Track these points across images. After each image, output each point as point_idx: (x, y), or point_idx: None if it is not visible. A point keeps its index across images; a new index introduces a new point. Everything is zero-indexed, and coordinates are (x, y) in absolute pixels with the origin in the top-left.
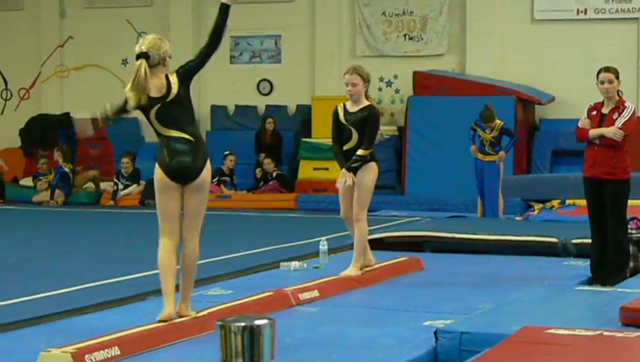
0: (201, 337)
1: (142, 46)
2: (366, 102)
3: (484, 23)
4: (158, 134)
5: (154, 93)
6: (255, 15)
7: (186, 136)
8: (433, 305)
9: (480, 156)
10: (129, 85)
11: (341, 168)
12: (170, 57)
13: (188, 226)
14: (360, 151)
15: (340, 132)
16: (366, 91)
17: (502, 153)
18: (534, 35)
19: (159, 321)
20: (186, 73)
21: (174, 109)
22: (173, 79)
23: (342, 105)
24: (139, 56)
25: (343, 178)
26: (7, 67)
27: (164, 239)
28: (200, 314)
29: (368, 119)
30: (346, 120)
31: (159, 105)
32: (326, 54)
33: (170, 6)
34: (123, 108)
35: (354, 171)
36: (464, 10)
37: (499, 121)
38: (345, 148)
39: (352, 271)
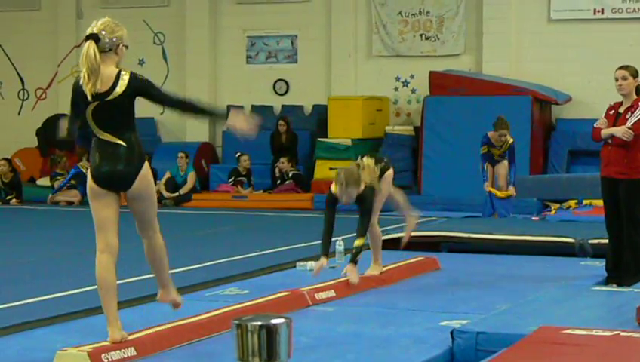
0: (217, 336)
1: (93, 28)
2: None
3: (500, 22)
4: (93, 135)
5: (97, 86)
6: (271, 15)
7: (119, 142)
8: (449, 305)
9: (497, 194)
10: (83, 71)
11: (324, 253)
12: (126, 47)
13: (142, 228)
14: (357, 242)
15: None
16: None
17: (512, 189)
18: (551, 34)
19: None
20: (141, 89)
21: (113, 111)
22: (124, 78)
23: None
24: (87, 38)
25: (352, 275)
26: (24, 67)
27: (99, 254)
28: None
29: (364, 204)
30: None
31: (97, 103)
32: (342, 54)
33: (187, 6)
34: (73, 121)
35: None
36: (480, 10)
37: (510, 138)
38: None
39: (374, 270)
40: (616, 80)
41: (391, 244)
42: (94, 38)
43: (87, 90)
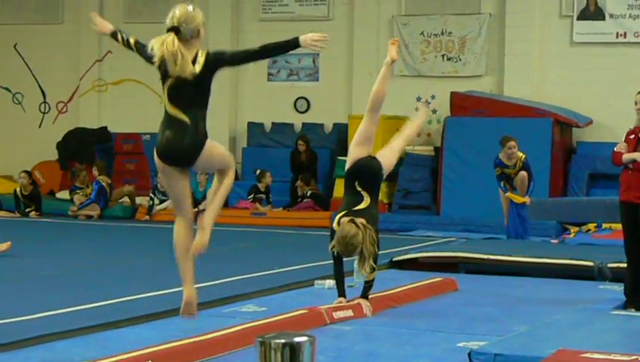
0: (234, 353)
1: (173, 20)
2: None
3: (522, 44)
4: (164, 109)
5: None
6: (293, 33)
7: (184, 118)
8: (467, 326)
9: (515, 199)
10: (157, 56)
11: (342, 294)
12: (204, 26)
13: (219, 174)
14: (368, 277)
15: None
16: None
17: (527, 198)
18: (573, 57)
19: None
20: (217, 62)
21: (188, 89)
22: (201, 59)
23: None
24: (169, 30)
25: (367, 310)
26: (45, 80)
27: (178, 224)
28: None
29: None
30: None
31: (175, 80)
32: (363, 73)
33: (209, 22)
34: (128, 45)
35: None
36: (503, 32)
37: (521, 154)
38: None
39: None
40: (636, 103)
41: (409, 264)
42: (175, 30)
43: (160, 69)
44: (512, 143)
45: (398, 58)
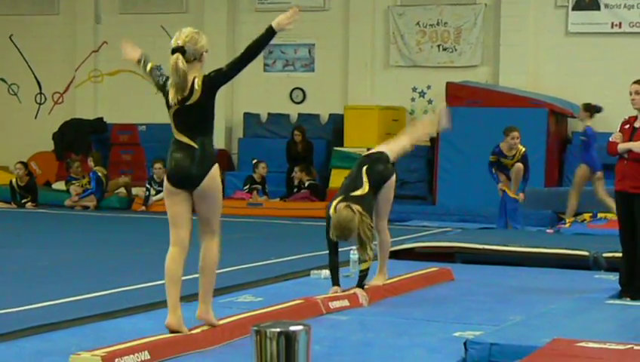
0: (232, 343)
1: (178, 40)
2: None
3: (518, 34)
4: (172, 134)
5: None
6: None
7: (193, 144)
8: (463, 315)
9: (509, 192)
10: (171, 82)
11: (336, 282)
12: (207, 52)
13: (203, 230)
14: (362, 266)
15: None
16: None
17: (521, 195)
18: (569, 47)
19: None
20: (213, 81)
21: (192, 114)
22: (198, 84)
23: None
24: (174, 51)
25: (361, 298)
26: (41, 71)
27: (171, 247)
28: (220, 322)
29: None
30: None
31: (178, 107)
32: (359, 64)
33: (205, 13)
34: (144, 71)
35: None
36: (498, 22)
37: (521, 147)
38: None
39: (379, 279)
40: (630, 94)
41: (405, 254)
42: (181, 50)
43: (171, 98)
44: (516, 134)
45: (394, 49)
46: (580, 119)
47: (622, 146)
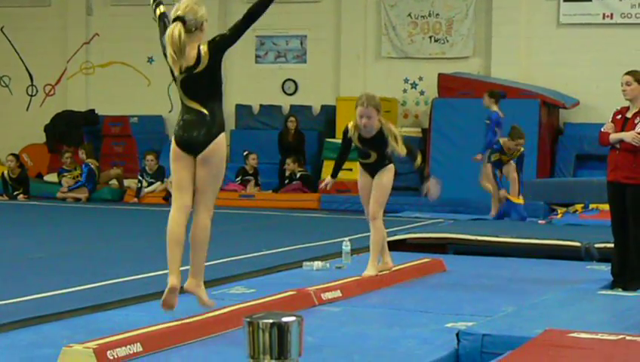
0: (223, 334)
1: (177, 11)
2: (378, 125)
3: (509, 26)
4: (181, 101)
5: (186, 62)
6: (281, 15)
7: (203, 110)
8: (455, 306)
9: (516, 201)
10: (169, 51)
11: (333, 176)
12: (206, 21)
13: (197, 200)
14: (416, 163)
15: (354, 149)
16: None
17: (521, 198)
18: (560, 38)
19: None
20: (218, 46)
21: (201, 81)
22: (204, 50)
23: (353, 126)
24: (174, 20)
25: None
26: (33, 63)
27: (174, 211)
28: (212, 301)
29: (384, 140)
30: (361, 144)
31: (186, 74)
32: (351, 55)
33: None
34: (155, 12)
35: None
36: (490, 13)
37: (521, 147)
38: (364, 162)
39: (370, 271)
40: (622, 85)
41: (397, 245)
42: (181, 20)
43: (175, 67)
44: (522, 141)
45: (386, 40)
46: (485, 105)
47: (614, 137)
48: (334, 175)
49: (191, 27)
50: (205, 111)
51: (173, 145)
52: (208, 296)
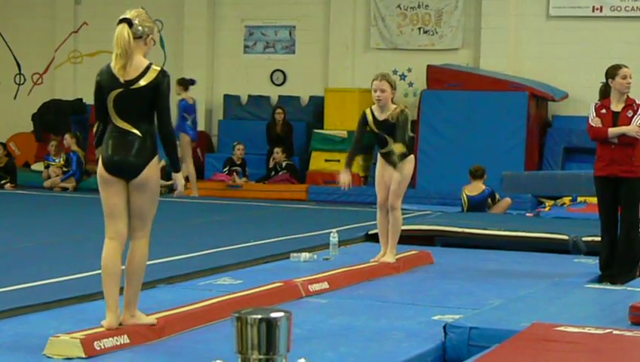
0: (210, 326)
1: (126, 14)
2: (393, 107)
3: (499, 18)
4: (109, 121)
5: (127, 70)
6: (270, 5)
7: (135, 131)
8: (443, 299)
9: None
10: (115, 52)
11: (347, 165)
12: (154, 43)
13: (134, 227)
14: (396, 146)
15: (371, 137)
16: (392, 98)
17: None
18: (549, 31)
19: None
20: (160, 89)
21: (136, 100)
22: (154, 71)
23: (370, 111)
24: (120, 21)
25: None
26: (20, 52)
27: (108, 241)
28: (154, 318)
29: (398, 122)
30: (377, 127)
31: (122, 90)
32: (340, 46)
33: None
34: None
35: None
36: (479, 5)
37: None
38: (383, 151)
39: (389, 257)
40: (625, 77)
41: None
42: (128, 22)
43: (117, 72)
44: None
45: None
46: (176, 93)
47: (614, 130)
48: (349, 164)
49: (136, 32)
50: (138, 133)
51: (100, 168)
52: (146, 315)
